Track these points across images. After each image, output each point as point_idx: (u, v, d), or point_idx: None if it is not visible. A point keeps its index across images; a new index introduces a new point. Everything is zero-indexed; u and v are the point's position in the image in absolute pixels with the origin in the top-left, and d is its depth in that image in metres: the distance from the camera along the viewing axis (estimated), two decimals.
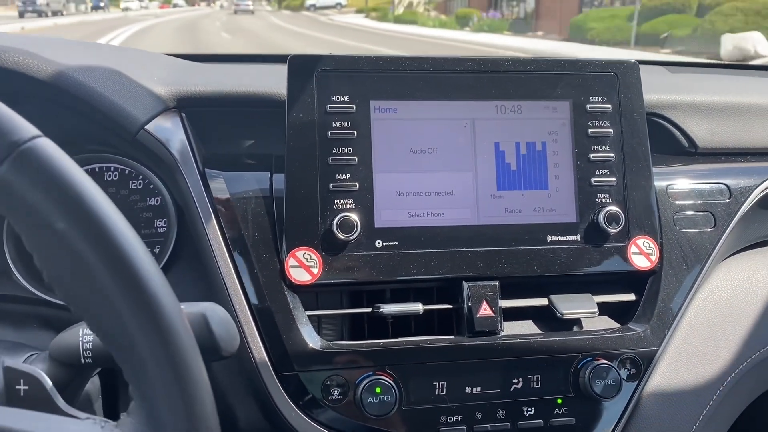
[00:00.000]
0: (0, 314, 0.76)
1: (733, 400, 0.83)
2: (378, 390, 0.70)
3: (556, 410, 0.75)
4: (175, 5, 57.33)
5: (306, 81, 0.75)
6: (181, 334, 0.34)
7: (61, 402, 0.52)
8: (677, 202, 0.83)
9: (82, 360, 0.55)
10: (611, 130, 0.80)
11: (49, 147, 0.35)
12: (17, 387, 0.52)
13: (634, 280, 0.80)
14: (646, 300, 0.80)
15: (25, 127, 0.36)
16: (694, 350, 0.81)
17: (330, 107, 0.75)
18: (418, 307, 0.74)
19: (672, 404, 0.78)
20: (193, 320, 0.46)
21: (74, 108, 0.73)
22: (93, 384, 0.69)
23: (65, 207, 0.34)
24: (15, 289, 0.75)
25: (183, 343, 0.34)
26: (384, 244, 0.74)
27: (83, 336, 0.55)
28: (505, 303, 0.76)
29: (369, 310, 0.75)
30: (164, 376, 0.33)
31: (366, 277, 0.74)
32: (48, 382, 0.52)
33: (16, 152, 0.34)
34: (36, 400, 0.52)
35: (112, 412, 0.79)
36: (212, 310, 0.49)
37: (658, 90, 0.93)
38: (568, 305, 0.77)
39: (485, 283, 0.75)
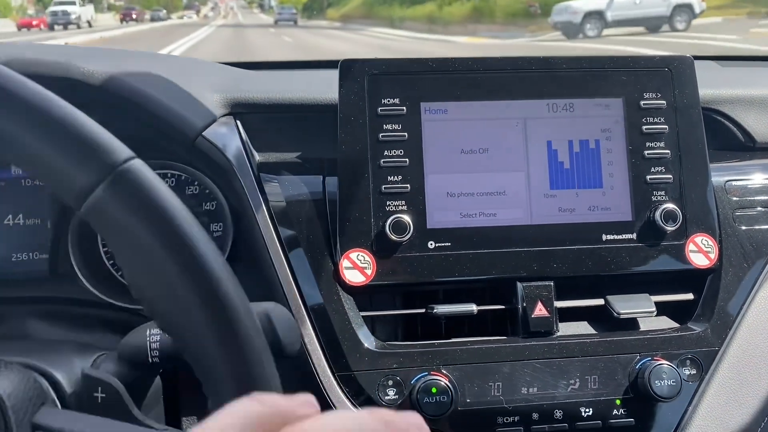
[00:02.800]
0: (68, 317, 0.79)
1: None
2: (434, 390, 0.70)
3: (615, 411, 0.74)
4: (67, 23, 24.68)
5: (357, 85, 0.75)
6: (253, 334, 0.35)
7: (136, 411, 0.54)
8: (736, 199, 0.81)
9: (150, 359, 0.56)
10: (666, 126, 0.78)
11: (143, 169, 0.37)
12: (95, 394, 0.54)
13: (693, 278, 0.79)
14: (706, 299, 0.78)
15: (120, 149, 0.37)
16: (758, 350, 0.78)
17: (381, 110, 0.75)
18: (473, 307, 0.74)
19: (735, 405, 0.76)
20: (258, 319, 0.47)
21: (135, 116, 0.75)
22: (155, 386, 0.71)
23: (157, 228, 0.35)
24: (81, 292, 0.77)
25: (255, 341, 0.34)
26: (436, 245, 0.74)
27: (150, 336, 0.57)
28: (560, 303, 0.75)
29: (423, 310, 0.75)
30: (238, 373, 0.34)
31: (419, 278, 0.74)
32: (124, 392, 0.54)
33: (113, 174, 0.36)
34: (112, 408, 0.53)
35: (173, 415, 0.80)
36: (275, 310, 0.50)
37: (713, 84, 0.90)
38: (625, 305, 0.76)
39: (540, 283, 0.74)
